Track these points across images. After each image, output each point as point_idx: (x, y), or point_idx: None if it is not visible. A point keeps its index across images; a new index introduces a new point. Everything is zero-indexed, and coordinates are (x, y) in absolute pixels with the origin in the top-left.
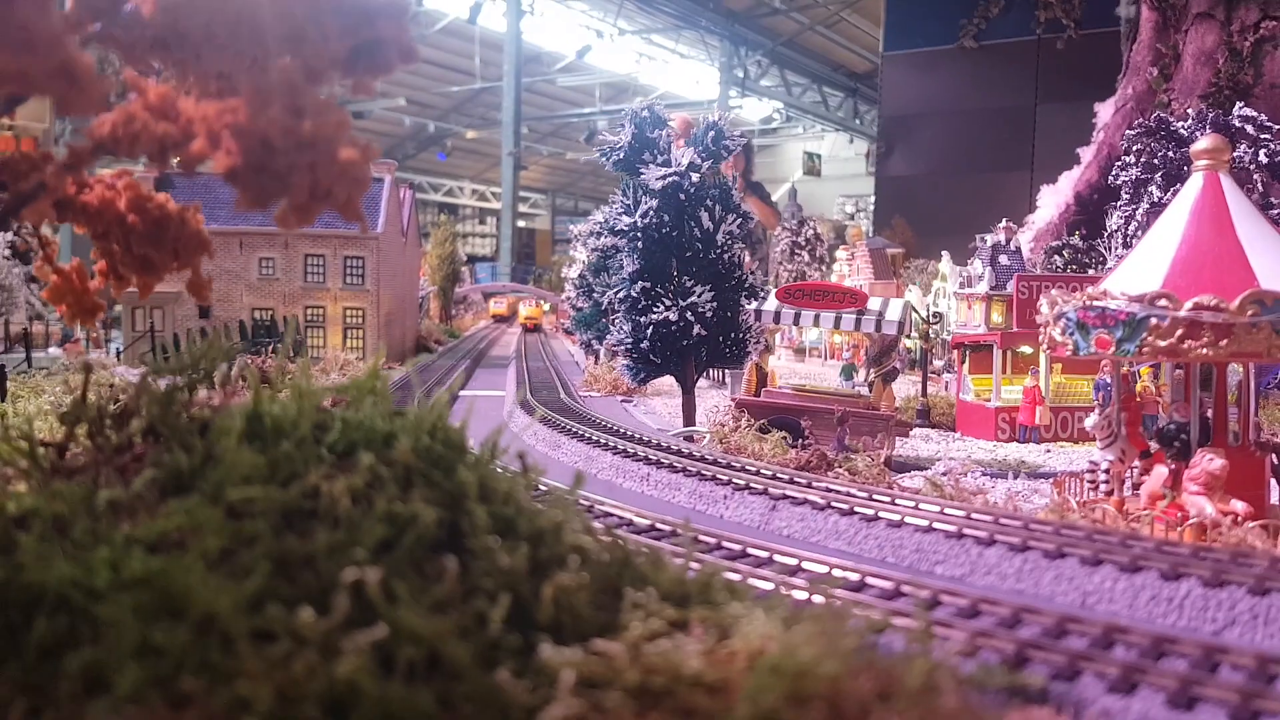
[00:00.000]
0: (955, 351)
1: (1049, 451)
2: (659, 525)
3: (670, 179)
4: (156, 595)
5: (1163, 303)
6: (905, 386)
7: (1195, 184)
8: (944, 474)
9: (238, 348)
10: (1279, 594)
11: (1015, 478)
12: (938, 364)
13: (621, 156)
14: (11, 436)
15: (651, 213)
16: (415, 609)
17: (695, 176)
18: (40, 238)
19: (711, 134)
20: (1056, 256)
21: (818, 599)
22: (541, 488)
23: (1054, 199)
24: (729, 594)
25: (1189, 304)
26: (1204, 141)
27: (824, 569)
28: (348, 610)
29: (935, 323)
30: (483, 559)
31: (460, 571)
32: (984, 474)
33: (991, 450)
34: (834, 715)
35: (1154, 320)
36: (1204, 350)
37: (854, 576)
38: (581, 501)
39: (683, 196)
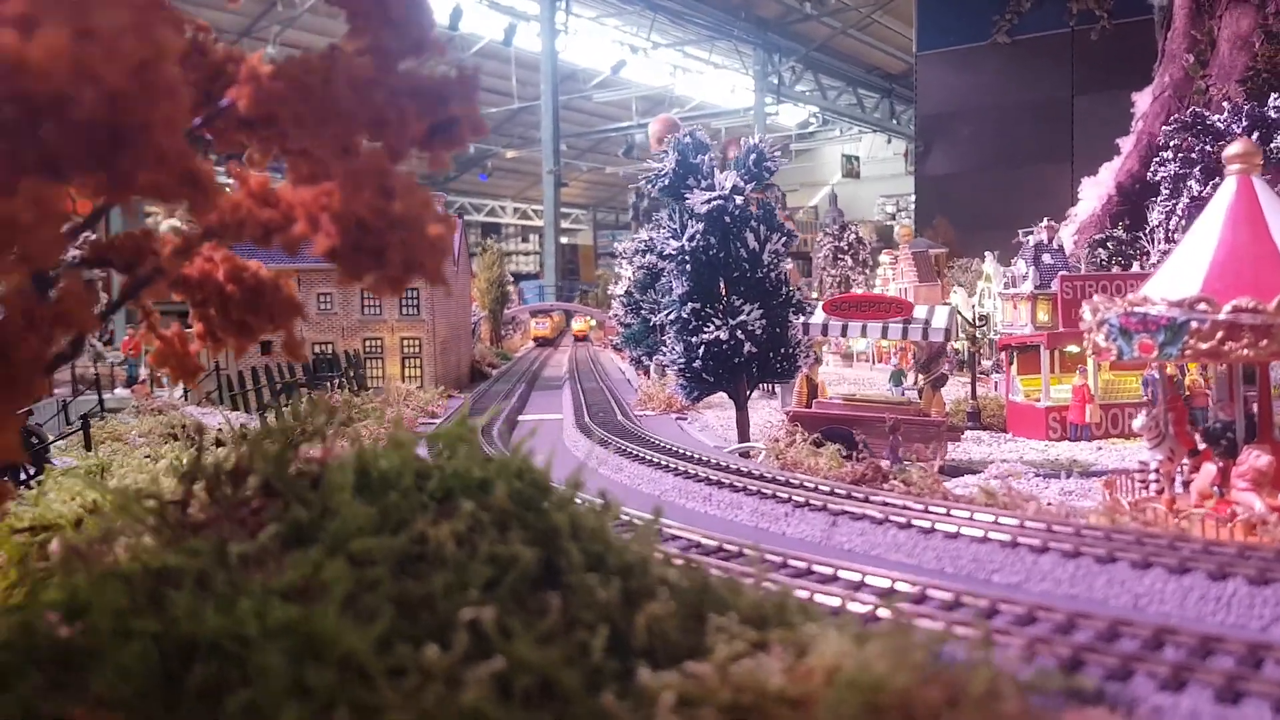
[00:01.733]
0: (1003, 353)
1: (1100, 449)
2: (726, 546)
3: (715, 202)
4: (300, 640)
5: (1202, 306)
6: (955, 389)
7: (1229, 188)
8: (996, 478)
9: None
10: None
11: (1068, 477)
12: (986, 365)
13: (667, 183)
14: (141, 496)
15: (698, 236)
16: (527, 642)
17: (739, 199)
18: (143, 308)
19: (753, 156)
20: (1100, 249)
21: (885, 614)
22: (622, 518)
23: (1095, 190)
24: (803, 615)
25: (1228, 306)
26: (1235, 146)
27: (887, 583)
28: (467, 646)
29: (981, 325)
30: (580, 593)
31: (561, 605)
32: (1037, 475)
33: (1043, 450)
34: None
35: (1194, 324)
36: (1245, 351)
37: (914, 589)
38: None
39: (728, 219)
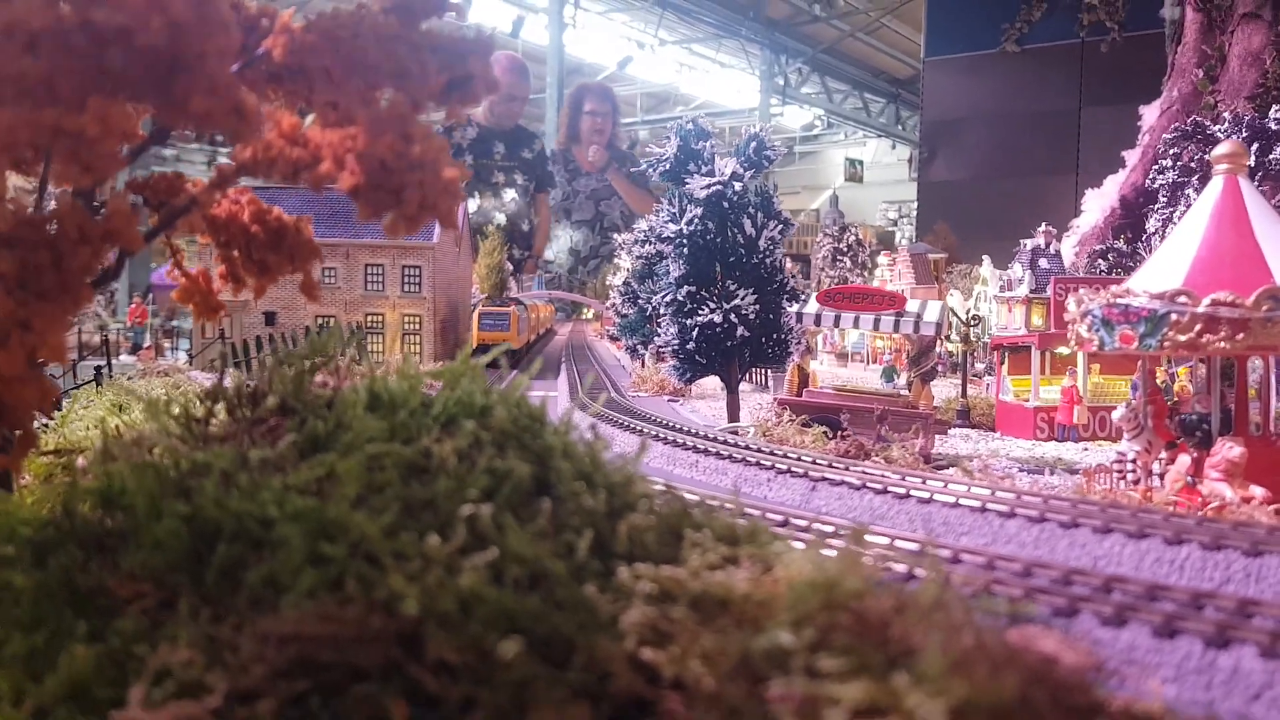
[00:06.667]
0: (994, 353)
1: (1086, 450)
2: (709, 500)
3: (714, 188)
4: (315, 524)
5: (1182, 299)
6: (946, 389)
7: (1215, 187)
8: (972, 461)
9: (348, 339)
10: (1270, 556)
11: (1051, 473)
12: (979, 366)
13: (668, 167)
14: (173, 411)
15: (696, 220)
16: (520, 537)
17: (738, 185)
18: (172, 246)
19: (753, 145)
20: (1100, 260)
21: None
22: (609, 455)
23: (1099, 203)
24: (773, 538)
25: (1207, 300)
26: (1223, 147)
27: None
28: (465, 539)
29: (974, 325)
30: (569, 502)
31: (551, 511)
32: (1021, 470)
33: (1029, 449)
34: (859, 622)
35: (1174, 316)
36: (1221, 344)
37: (884, 540)
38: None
39: (726, 204)
